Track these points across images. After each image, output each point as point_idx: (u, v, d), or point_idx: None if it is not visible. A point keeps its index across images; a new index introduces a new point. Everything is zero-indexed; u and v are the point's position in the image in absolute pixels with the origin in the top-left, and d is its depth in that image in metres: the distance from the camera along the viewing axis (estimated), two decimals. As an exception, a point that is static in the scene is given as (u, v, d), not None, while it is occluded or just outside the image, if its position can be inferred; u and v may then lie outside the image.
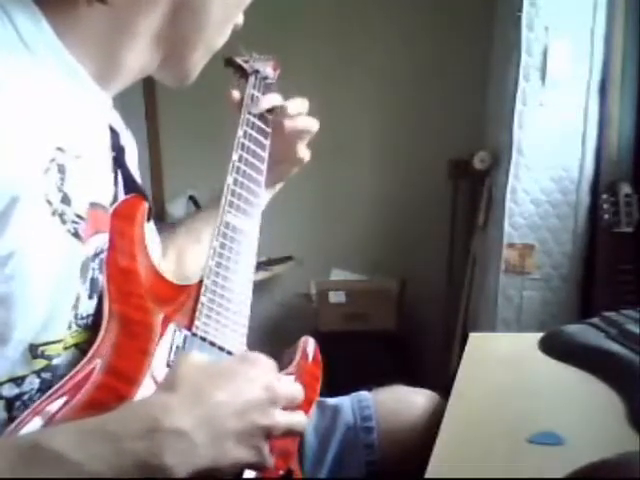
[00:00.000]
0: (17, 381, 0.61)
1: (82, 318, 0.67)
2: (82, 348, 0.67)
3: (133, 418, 0.55)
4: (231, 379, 0.60)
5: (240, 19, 0.79)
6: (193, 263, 0.94)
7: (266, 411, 0.60)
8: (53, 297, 0.62)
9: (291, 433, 0.65)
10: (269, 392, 0.61)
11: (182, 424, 0.54)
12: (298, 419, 0.65)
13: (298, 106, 0.92)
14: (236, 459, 0.58)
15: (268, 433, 0.60)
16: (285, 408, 0.63)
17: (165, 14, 0.69)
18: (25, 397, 0.62)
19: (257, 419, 0.59)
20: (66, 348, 0.66)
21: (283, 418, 0.62)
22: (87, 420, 0.56)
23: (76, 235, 0.63)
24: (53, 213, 0.61)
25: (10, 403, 0.61)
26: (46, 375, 0.64)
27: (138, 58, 0.70)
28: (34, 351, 0.62)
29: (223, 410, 0.57)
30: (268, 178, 0.90)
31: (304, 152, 0.97)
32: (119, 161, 0.76)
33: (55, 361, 0.64)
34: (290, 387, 0.65)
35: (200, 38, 0.74)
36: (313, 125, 0.94)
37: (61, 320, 0.64)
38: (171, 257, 0.95)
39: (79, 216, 0.64)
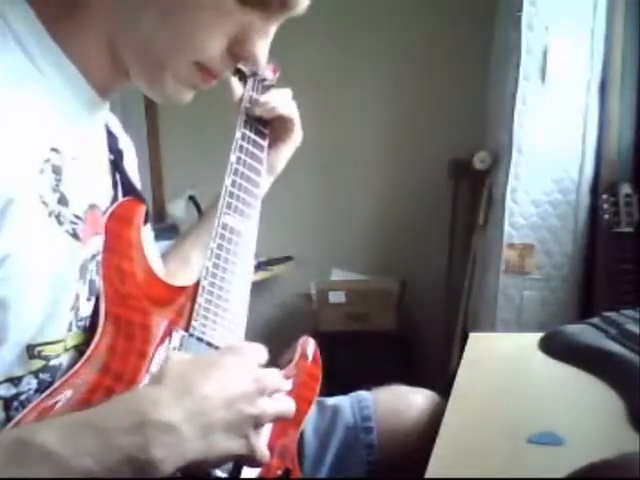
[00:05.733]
0: (14, 381, 0.61)
1: (81, 320, 0.67)
2: (81, 350, 0.67)
3: (121, 412, 0.55)
4: (218, 371, 0.60)
5: (258, 60, 0.68)
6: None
7: (253, 401, 0.60)
8: (51, 298, 0.62)
9: (280, 420, 0.65)
10: (256, 382, 0.61)
11: (170, 417, 0.54)
12: (286, 405, 0.65)
13: (269, 95, 0.91)
14: (225, 450, 0.58)
15: (256, 422, 0.61)
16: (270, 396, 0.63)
17: (145, 30, 0.63)
18: (22, 397, 0.62)
19: (245, 409, 0.59)
20: (67, 350, 0.66)
21: (271, 406, 0.62)
22: (73, 415, 0.56)
23: (75, 236, 0.63)
24: (49, 214, 0.60)
25: (7, 403, 0.61)
26: (44, 376, 0.64)
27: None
28: (31, 351, 0.62)
29: (211, 402, 0.57)
30: (267, 162, 0.90)
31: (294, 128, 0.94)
32: (117, 164, 0.76)
33: (53, 362, 0.64)
34: (276, 376, 0.65)
35: (176, 58, 0.65)
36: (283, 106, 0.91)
37: (60, 321, 0.64)
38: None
39: (77, 217, 0.64)
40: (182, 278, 0.88)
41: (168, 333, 0.72)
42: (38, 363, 0.63)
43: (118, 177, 0.76)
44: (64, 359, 0.66)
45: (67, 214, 0.62)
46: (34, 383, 0.63)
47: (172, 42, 0.64)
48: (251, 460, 0.62)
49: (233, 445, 0.59)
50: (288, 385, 0.67)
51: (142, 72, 0.67)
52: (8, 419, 0.60)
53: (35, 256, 0.59)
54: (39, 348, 0.62)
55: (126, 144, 0.83)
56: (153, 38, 0.63)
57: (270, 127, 0.91)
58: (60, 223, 0.62)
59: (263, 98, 0.90)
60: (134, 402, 0.56)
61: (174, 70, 0.65)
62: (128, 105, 2.22)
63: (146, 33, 0.63)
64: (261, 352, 0.66)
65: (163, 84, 0.67)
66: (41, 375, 0.63)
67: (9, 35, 0.61)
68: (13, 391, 0.61)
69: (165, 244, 0.99)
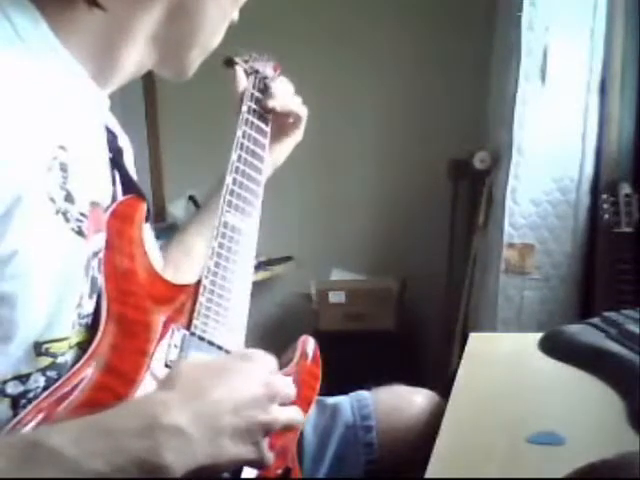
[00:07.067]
0: (22, 379, 0.61)
1: (83, 317, 0.67)
2: (83, 347, 0.67)
3: (131, 415, 0.55)
4: (229, 376, 0.61)
5: (235, 16, 0.79)
6: (186, 277, 0.93)
7: (265, 407, 0.60)
8: (58, 295, 0.62)
9: (289, 428, 0.66)
10: (268, 388, 0.61)
11: (180, 421, 0.55)
12: (295, 414, 0.66)
13: (280, 87, 0.92)
14: (235, 455, 0.58)
15: (267, 429, 0.61)
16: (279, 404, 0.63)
17: (161, 16, 0.69)
18: (30, 395, 0.62)
19: (256, 415, 0.59)
20: (71, 347, 0.66)
21: (281, 414, 0.62)
22: (85, 417, 0.56)
23: (80, 233, 0.63)
24: (57, 212, 0.61)
25: (15, 401, 0.61)
26: (51, 373, 0.64)
27: (134, 57, 0.71)
28: (38, 349, 0.62)
29: (221, 407, 0.58)
30: (270, 154, 0.91)
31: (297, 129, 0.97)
32: (117, 162, 0.76)
33: (60, 359, 0.64)
34: (287, 383, 0.66)
35: (195, 39, 0.74)
36: (295, 105, 0.94)
37: (66, 318, 0.64)
38: (168, 273, 0.95)
39: (82, 214, 0.64)
40: (184, 269, 0.89)
41: (169, 331, 0.72)
42: (46, 360, 0.63)
43: (117, 174, 0.76)
44: (69, 356, 0.66)
45: (73, 211, 0.62)
46: (42, 380, 0.63)
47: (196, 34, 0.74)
48: (258, 464, 0.62)
49: (242, 451, 0.59)
50: (294, 391, 0.67)
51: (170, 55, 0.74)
52: (16, 417, 0.60)
53: (42, 253, 0.59)
54: (46, 345, 0.62)
55: (125, 144, 0.83)
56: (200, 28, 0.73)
57: (275, 120, 0.92)
58: (67, 220, 0.62)
59: (276, 90, 0.90)
60: (144, 405, 0.57)
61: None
62: (128, 105, 2.22)
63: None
64: (272, 361, 0.66)
65: (188, 64, 0.76)
66: (49, 372, 0.63)
67: (11, 32, 0.62)
68: (21, 389, 0.61)
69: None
